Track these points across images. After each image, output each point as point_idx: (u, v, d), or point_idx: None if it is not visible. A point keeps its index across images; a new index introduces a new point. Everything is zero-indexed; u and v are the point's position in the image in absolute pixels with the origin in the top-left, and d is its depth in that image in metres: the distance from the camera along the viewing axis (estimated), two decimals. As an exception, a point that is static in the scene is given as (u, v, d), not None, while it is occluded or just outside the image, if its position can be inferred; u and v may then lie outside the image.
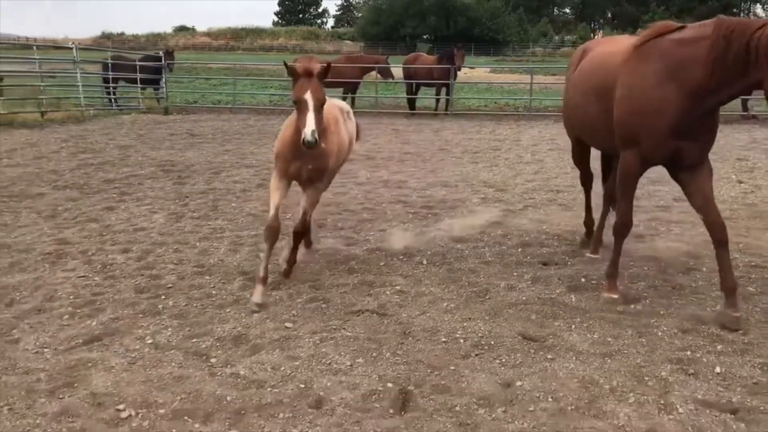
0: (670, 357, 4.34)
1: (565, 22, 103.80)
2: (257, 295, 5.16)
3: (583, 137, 6.30)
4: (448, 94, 20.67)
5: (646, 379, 4.05)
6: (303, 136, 4.64)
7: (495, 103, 24.18)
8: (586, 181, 6.91)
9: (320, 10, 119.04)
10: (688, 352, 4.40)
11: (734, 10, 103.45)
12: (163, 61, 21.35)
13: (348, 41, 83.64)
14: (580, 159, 6.77)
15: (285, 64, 4.97)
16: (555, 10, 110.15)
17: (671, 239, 7.12)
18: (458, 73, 20.89)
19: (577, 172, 6.96)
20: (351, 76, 20.13)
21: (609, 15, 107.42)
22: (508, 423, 3.56)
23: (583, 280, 5.84)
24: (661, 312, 5.10)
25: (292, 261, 5.79)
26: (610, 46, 5.77)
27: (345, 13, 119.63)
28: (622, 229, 5.40)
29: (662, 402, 3.77)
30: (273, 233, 5.25)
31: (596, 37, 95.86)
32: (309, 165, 5.21)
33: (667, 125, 4.80)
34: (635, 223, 7.69)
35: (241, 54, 67.74)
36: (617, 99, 5.10)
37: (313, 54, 29.26)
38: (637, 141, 4.98)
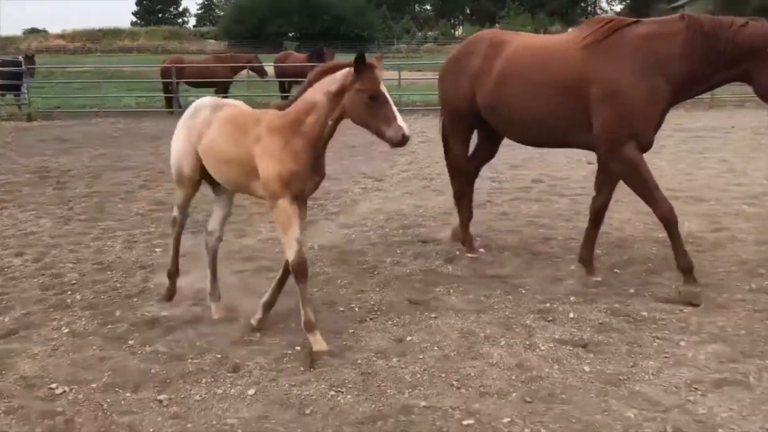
0: (532, 309, 5.12)
1: (426, 19, 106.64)
2: (320, 342, 4.46)
3: (509, 131, 6.04)
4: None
5: (514, 326, 4.80)
6: (401, 132, 4.05)
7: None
8: (464, 194, 6.67)
9: (180, 9, 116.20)
10: (548, 304, 5.20)
11: (582, 4, 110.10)
12: (23, 66, 20.60)
13: (212, 40, 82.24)
14: (462, 161, 6.60)
15: (360, 56, 4.10)
16: (416, 7, 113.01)
17: (531, 215, 8.01)
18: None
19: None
20: (222, 76, 20.27)
21: (468, 11, 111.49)
22: (402, 369, 4.19)
23: (457, 252, 6.57)
24: (524, 274, 5.91)
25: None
26: (545, 41, 6.06)
27: (207, 12, 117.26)
28: (672, 218, 5.28)
29: (527, 343, 4.52)
30: (305, 268, 4.49)
31: (457, 32, 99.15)
32: (316, 177, 4.59)
33: (659, 114, 5.22)
34: (499, 203, 8.62)
35: (100, 56, 65.20)
36: (600, 97, 5.21)
37: (178, 54, 28.71)
38: (637, 133, 5.21)
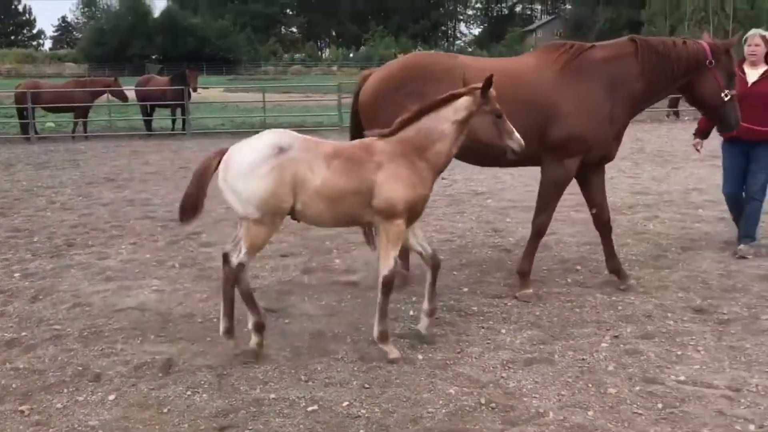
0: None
1: (293, 41, 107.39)
2: (394, 351, 4.72)
3: (470, 155, 5.72)
4: (183, 114, 21.17)
5: (361, 326, 5.30)
6: (521, 141, 4.48)
7: (231, 121, 25.01)
8: None
9: (35, 31, 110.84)
10: (392, 305, 5.71)
11: (443, 27, 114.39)
12: None
13: (70, 63, 79.11)
14: None
15: (488, 82, 4.41)
16: (282, 29, 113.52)
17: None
18: (193, 93, 21.41)
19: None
20: (81, 101, 19.86)
21: (334, 34, 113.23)
22: (255, 368, 4.58)
23: (314, 264, 7.03)
24: (373, 280, 6.43)
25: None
26: (507, 64, 6.09)
27: (63, 35, 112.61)
28: (542, 230, 5.92)
29: (371, 339, 5.03)
30: (393, 284, 4.73)
31: (324, 55, 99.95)
32: None
33: (615, 132, 5.78)
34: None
35: (-56, 80, 61.20)
36: (564, 114, 5.57)
37: (33, 78, 27.64)
38: (590, 149, 5.69)
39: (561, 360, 4.64)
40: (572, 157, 5.70)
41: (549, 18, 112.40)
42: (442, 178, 12.17)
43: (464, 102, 4.51)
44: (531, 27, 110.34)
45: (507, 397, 4.13)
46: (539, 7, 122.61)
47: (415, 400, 4.12)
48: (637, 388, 4.22)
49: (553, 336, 5.05)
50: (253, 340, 4.77)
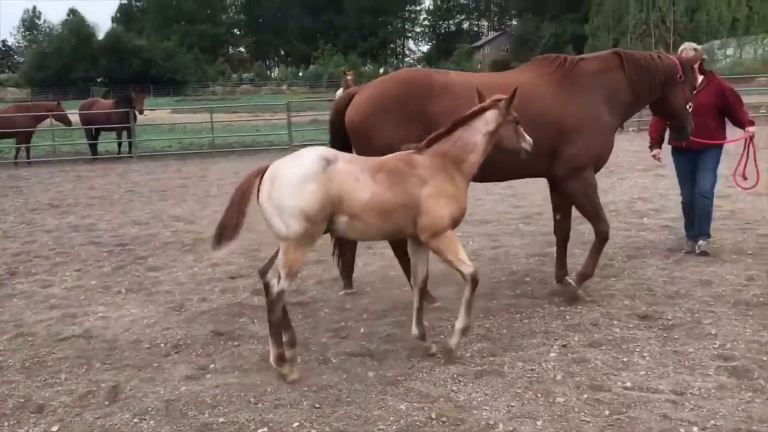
0: (329, 328, 5.64)
1: (241, 61, 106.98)
2: (458, 346, 4.93)
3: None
4: (129, 137, 20.86)
5: (311, 346, 5.28)
6: (529, 143, 4.85)
7: (179, 142, 24.73)
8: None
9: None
10: (342, 323, 5.74)
11: (391, 45, 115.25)
12: None
13: (12, 88, 77.32)
14: None
15: (514, 94, 4.73)
16: (230, 50, 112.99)
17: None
18: (139, 115, 21.11)
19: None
20: (23, 126, 19.42)
21: (282, 53, 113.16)
22: (204, 393, 4.51)
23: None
24: (323, 299, 6.43)
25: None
26: (505, 78, 5.98)
27: (4, 59, 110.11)
28: (606, 236, 6.10)
29: (321, 358, 5.01)
30: (478, 279, 4.86)
31: (273, 74, 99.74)
32: None
33: (613, 140, 6.07)
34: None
35: None
36: (574, 130, 5.70)
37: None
38: (599, 159, 6.00)
39: (510, 371, 4.67)
40: (588, 168, 5.91)
41: (496, 34, 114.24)
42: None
43: (493, 114, 4.75)
44: (478, 43, 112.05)
45: (457, 411, 4.14)
46: (486, 23, 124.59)
47: (366, 417, 4.10)
48: (585, 396, 4.27)
49: (503, 348, 5.09)
50: (284, 370, 4.67)
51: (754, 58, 58.71)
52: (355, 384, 4.57)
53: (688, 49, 7.15)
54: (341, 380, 4.64)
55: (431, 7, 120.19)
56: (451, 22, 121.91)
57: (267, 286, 4.66)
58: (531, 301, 6.13)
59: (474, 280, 4.72)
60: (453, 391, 4.41)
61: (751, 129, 7.20)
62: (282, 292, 4.55)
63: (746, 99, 8.82)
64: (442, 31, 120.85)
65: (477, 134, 4.73)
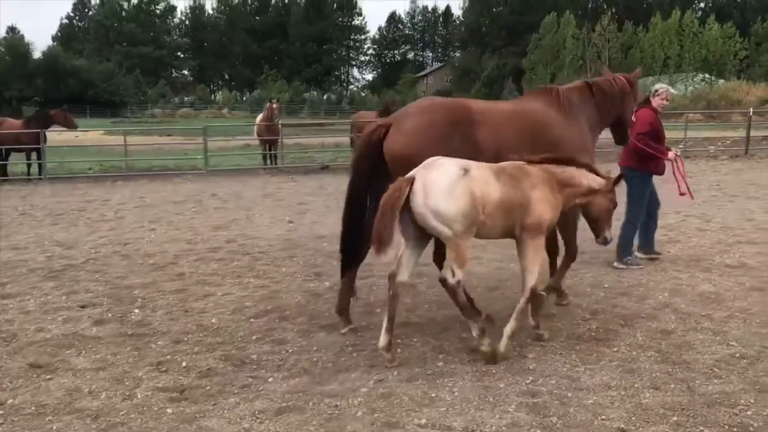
0: (152, 362, 5.45)
1: (184, 84, 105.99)
2: (509, 350, 5.38)
3: None
4: (39, 158, 20.31)
5: (125, 380, 5.09)
6: (610, 237, 5.85)
7: (101, 165, 24.18)
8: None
9: None
10: (168, 356, 5.56)
11: (336, 72, 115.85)
12: None
13: (-58, 105, 74.97)
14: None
15: (619, 178, 5.86)
16: (173, 72, 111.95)
17: (206, 274, 8.40)
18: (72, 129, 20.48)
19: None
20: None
21: (226, 77, 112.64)
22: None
23: (109, 315, 6.75)
24: (162, 329, 6.26)
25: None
26: (525, 108, 6.38)
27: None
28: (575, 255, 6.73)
29: (128, 393, 4.83)
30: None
31: (216, 97, 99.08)
32: None
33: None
34: (181, 264, 8.92)
35: None
36: (576, 150, 6.07)
37: None
38: None
39: (313, 408, 4.57)
40: None
41: (439, 65, 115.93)
42: (289, 222, 12.13)
43: (602, 182, 5.57)
44: (422, 73, 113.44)
45: (241, 450, 4.01)
46: (430, 54, 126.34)
47: (140, 457, 3.94)
48: (376, 434, 4.19)
49: (320, 382, 4.98)
50: (484, 342, 5.25)
51: (684, 95, 60.72)
52: (149, 422, 4.41)
53: (660, 88, 8.53)
54: (136, 417, 4.47)
55: (377, 37, 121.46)
56: (396, 51, 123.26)
57: (444, 282, 5.22)
58: (370, 334, 6.04)
59: (532, 292, 5.41)
60: (244, 428, 4.28)
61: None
62: (459, 282, 5.16)
63: (674, 134, 9.34)
64: (388, 60, 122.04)
65: (585, 179, 5.51)
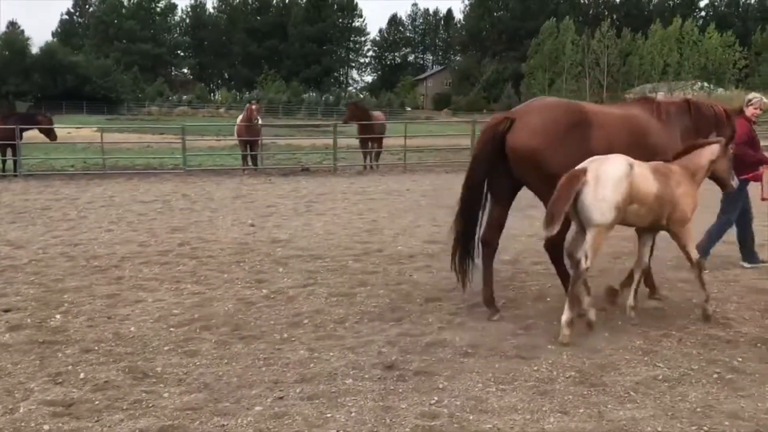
0: (51, 372, 5.21)
1: (183, 82, 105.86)
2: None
3: None
4: (15, 154, 20.10)
5: (15, 392, 4.86)
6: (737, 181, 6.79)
7: (84, 162, 23.94)
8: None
9: None
10: (70, 367, 5.32)
11: (335, 74, 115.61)
12: None
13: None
14: None
15: (731, 135, 6.68)
16: (173, 70, 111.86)
17: (146, 278, 8.16)
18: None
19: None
20: None
21: (226, 76, 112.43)
22: None
23: (28, 321, 6.51)
24: (77, 338, 6.01)
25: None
26: (631, 113, 6.88)
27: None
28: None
29: (11, 407, 4.59)
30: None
31: (217, 96, 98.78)
32: None
33: None
34: (125, 267, 8.68)
35: None
36: (665, 153, 6.59)
37: None
38: None
39: (198, 427, 4.32)
40: None
41: (439, 68, 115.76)
42: (250, 225, 11.88)
43: (715, 148, 6.34)
44: (422, 76, 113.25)
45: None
46: (431, 57, 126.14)
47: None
48: (257, 457, 3.95)
49: (216, 399, 4.74)
50: (563, 331, 5.75)
51: (682, 103, 60.44)
52: (21, 438, 4.17)
53: (753, 98, 8.63)
54: (10, 433, 4.24)
55: (377, 39, 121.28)
56: (396, 54, 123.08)
57: (578, 263, 5.79)
58: (289, 346, 5.81)
59: (699, 265, 6.32)
60: (116, 448, 4.05)
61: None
62: (586, 269, 5.75)
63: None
64: (388, 62, 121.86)
65: (702, 159, 6.28)
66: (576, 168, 5.68)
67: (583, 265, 5.70)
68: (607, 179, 5.58)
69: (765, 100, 8.85)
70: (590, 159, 5.77)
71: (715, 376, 5.10)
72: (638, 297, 6.52)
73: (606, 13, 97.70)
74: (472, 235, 6.68)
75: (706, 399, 4.70)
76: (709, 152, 6.31)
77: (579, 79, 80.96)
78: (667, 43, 75.08)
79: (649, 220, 6.02)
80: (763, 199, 8.40)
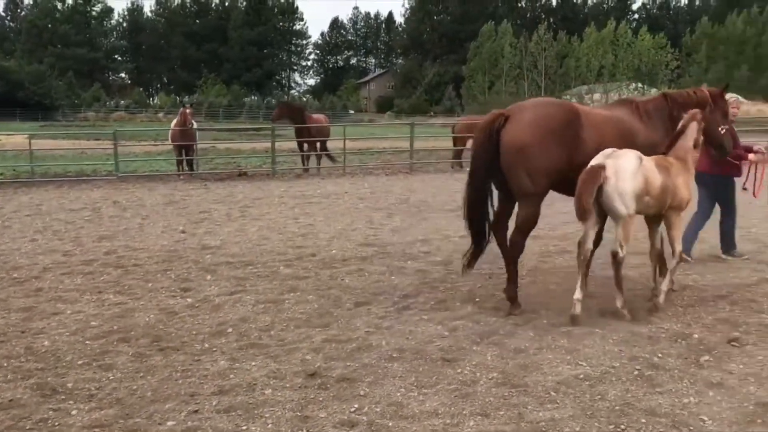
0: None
1: (120, 87, 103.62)
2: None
3: None
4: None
5: None
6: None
7: (13, 170, 23.11)
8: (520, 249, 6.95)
9: None
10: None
11: (277, 77, 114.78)
12: None
13: None
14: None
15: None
16: (110, 75, 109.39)
17: (64, 290, 7.86)
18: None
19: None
20: None
21: (165, 80, 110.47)
22: None
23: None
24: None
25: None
26: (617, 113, 7.08)
27: None
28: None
29: None
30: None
31: (155, 101, 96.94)
32: None
33: None
34: (47, 278, 8.34)
35: None
36: (647, 149, 6.77)
37: None
38: None
39: (108, 444, 4.15)
40: None
41: (382, 71, 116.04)
42: (181, 232, 11.59)
43: (694, 126, 6.73)
44: (365, 79, 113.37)
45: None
46: (373, 60, 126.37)
47: None
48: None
49: (128, 415, 4.55)
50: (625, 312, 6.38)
51: (617, 104, 61.84)
52: None
53: (730, 98, 8.26)
54: None
55: (320, 42, 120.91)
56: (339, 57, 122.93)
57: (615, 255, 6.29)
58: (209, 356, 5.64)
59: (680, 257, 6.85)
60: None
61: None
62: (624, 257, 6.33)
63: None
64: (330, 65, 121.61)
65: (689, 142, 6.70)
66: (593, 164, 6.10)
67: (621, 254, 6.25)
68: (626, 173, 6.05)
69: (741, 99, 9.20)
70: (602, 154, 6.19)
71: (635, 373, 5.13)
72: (674, 282, 7.13)
73: (543, 16, 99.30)
74: (485, 234, 6.91)
75: (624, 397, 4.72)
76: (691, 131, 6.70)
77: (518, 81, 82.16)
78: (602, 46, 76.78)
79: (656, 209, 6.46)
80: (744, 189, 8.74)
